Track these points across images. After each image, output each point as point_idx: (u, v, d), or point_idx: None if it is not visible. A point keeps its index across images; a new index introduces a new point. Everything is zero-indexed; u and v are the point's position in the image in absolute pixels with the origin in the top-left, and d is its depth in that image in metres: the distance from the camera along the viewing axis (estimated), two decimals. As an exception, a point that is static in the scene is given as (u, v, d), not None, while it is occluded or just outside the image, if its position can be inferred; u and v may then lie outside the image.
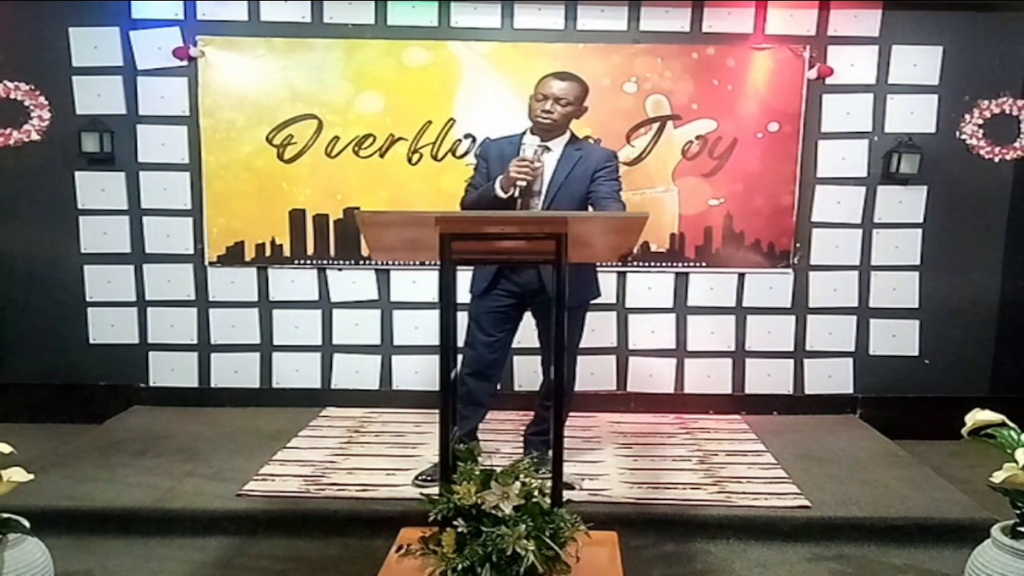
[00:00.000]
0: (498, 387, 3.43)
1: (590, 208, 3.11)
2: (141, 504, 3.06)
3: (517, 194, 2.94)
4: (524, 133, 3.17)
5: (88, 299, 4.29)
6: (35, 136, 4.16)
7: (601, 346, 4.27)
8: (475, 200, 3.10)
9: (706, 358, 4.31)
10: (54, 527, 2.79)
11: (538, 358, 3.47)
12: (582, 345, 4.27)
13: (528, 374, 4.16)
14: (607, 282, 4.21)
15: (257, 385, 4.34)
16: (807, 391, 4.33)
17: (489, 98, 4.05)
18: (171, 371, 4.33)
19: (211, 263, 4.25)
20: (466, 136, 4.11)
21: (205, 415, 4.16)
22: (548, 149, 3.09)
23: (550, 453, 2.35)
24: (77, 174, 4.20)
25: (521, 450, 3.46)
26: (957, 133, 4.15)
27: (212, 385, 4.34)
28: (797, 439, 3.88)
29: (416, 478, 3.29)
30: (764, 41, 4.09)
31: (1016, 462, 2.40)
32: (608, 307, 4.24)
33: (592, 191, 3.08)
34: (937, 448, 3.93)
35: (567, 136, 3.16)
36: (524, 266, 3.09)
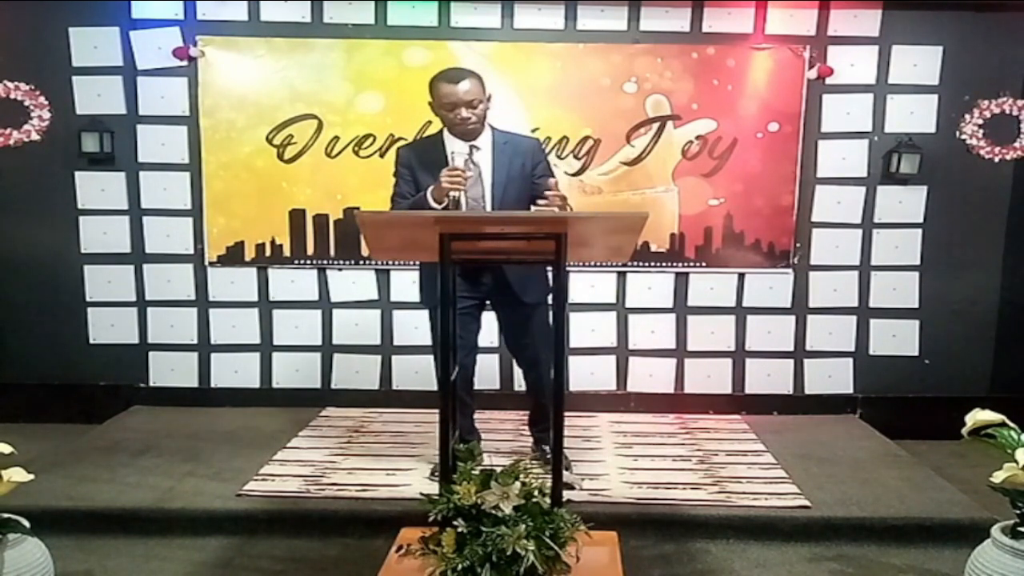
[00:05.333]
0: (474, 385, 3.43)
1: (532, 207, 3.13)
2: (141, 504, 3.06)
3: (451, 204, 2.93)
4: (440, 133, 3.17)
5: (88, 299, 4.28)
6: (35, 136, 4.16)
7: (601, 346, 4.27)
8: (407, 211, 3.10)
9: (706, 358, 4.31)
10: (54, 527, 2.78)
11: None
12: (583, 345, 4.28)
13: (528, 374, 4.16)
14: (607, 282, 4.22)
15: (257, 385, 4.34)
16: (807, 391, 4.32)
17: (489, 98, 4.03)
18: (171, 371, 4.33)
19: (211, 263, 4.25)
20: (466, 136, 4.10)
21: (205, 415, 4.15)
22: (477, 148, 3.11)
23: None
24: (77, 174, 4.19)
25: (521, 448, 3.45)
26: (957, 133, 4.15)
27: (212, 385, 4.34)
28: (797, 439, 3.88)
29: (433, 472, 3.27)
30: (764, 41, 4.09)
31: (1016, 462, 2.40)
32: (608, 307, 4.24)
33: (535, 186, 3.10)
34: (937, 448, 3.93)
35: (489, 131, 3.17)
36: (483, 269, 3.10)
